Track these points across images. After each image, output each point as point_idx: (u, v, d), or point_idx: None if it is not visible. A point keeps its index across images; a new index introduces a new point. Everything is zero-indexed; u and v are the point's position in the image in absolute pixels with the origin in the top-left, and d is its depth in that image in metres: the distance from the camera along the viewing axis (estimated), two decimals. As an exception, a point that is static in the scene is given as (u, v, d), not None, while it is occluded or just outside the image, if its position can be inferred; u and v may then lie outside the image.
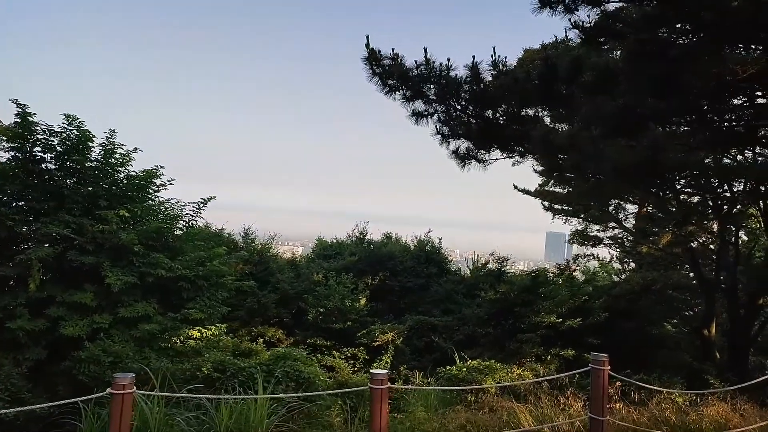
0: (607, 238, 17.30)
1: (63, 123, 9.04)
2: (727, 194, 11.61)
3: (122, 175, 9.67)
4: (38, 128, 8.82)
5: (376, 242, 17.72)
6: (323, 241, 18.31)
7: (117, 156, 9.53)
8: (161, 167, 9.99)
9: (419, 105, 8.18)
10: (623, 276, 17.47)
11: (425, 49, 7.58)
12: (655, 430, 6.83)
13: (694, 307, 15.91)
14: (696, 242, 13.44)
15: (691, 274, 14.95)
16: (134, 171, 9.78)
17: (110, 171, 9.45)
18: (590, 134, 6.84)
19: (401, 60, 7.65)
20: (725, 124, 9.21)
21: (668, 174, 8.60)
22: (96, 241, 8.63)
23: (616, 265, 18.79)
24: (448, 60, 7.61)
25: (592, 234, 17.29)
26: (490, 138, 8.51)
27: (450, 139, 8.62)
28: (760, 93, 7.62)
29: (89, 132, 9.22)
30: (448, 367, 9.57)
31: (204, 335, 9.63)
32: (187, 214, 10.27)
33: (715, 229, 13.28)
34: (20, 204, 8.79)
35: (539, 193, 16.13)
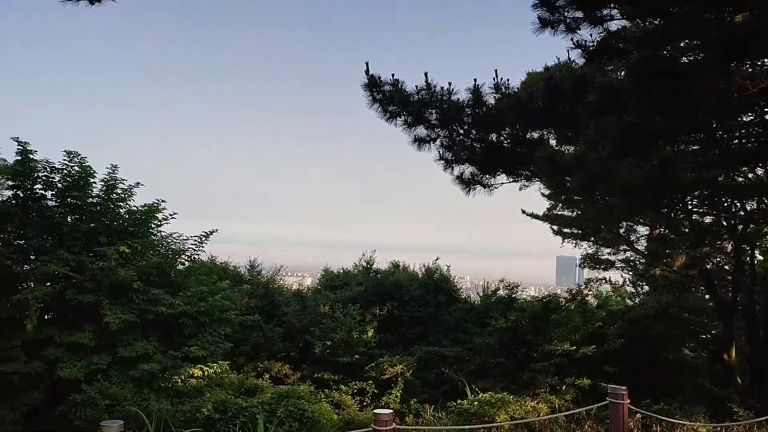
0: (619, 261, 16.92)
1: (64, 159, 9.01)
2: (741, 213, 11.31)
3: (123, 210, 9.57)
4: (39, 165, 8.77)
5: (383, 271, 17.42)
6: (330, 271, 18.05)
7: (118, 191, 9.46)
8: (162, 201, 9.91)
9: (421, 130, 8.05)
10: (637, 300, 17.04)
11: (426, 74, 7.50)
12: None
13: (712, 330, 15.43)
14: (711, 263, 13.07)
15: (707, 297, 14.53)
16: (135, 206, 9.70)
17: (111, 206, 9.37)
18: (597, 154, 6.65)
19: (401, 85, 7.54)
20: (735, 141, 9.00)
21: (679, 193, 8.37)
22: (95, 279, 8.47)
23: (630, 289, 18.37)
24: (450, 84, 7.51)
25: (603, 257, 16.93)
26: (494, 162, 8.34)
27: (454, 165, 8.46)
28: (770, 108, 7.44)
29: (90, 168, 9.18)
30: (459, 401, 9.21)
31: (206, 373, 9.35)
32: (189, 248, 10.10)
33: (729, 250, 12.93)
34: (19, 242, 8.67)
35: (547, 217, 15.88)
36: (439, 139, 8.22)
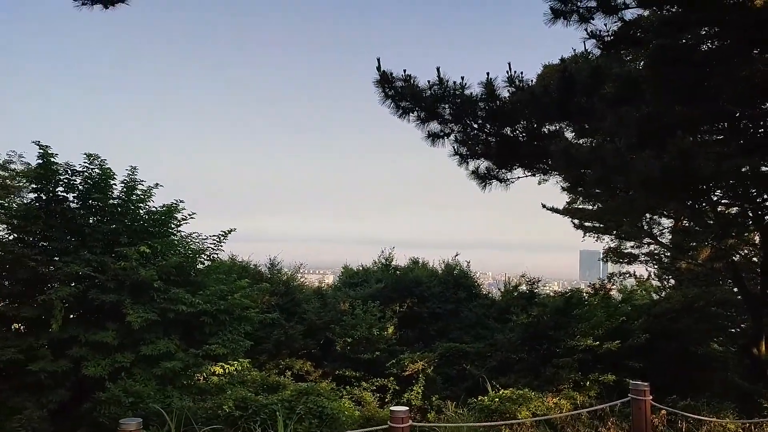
0: (643, 254, 16.63)
1: (84, 162, 9.17)
2: (768, 203, 10.99)
3: (143, 211, 9.71)
4: (60, 168, 8.95)
5: (402, 268, 17.42)
6: (349, 268, 18.10)
7: (138, 192, 9.59)
8: (181, 201, 10.03)
9: (434, 126, 7.98)
10: (663, 294, 16.71)
11: (438, 69, 7.43)
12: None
13: (741, 324, 15.04)
14: (738, 255, 12.73)
15: (735, 289, 14.17)
16: (155, 206, 9.83)
17: (131, 208, 9.51)
18: (614, 146, 6.52)
19: (414, 81, 7.49)
20: (761, 129, 8.74)
21: (701, 184, 8.15)
22: (117, 279, 8.63)
23: (655, 283, 18.02)
24: (462, 78, 7.42)
25: (626, 251, 16.65)
26: (510, 156, 8.24)
27: (469, 159, 8.38)
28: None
29: (110, 170, 9.33)
30: (480, 398, 9.16)
31: (227, 371, 9.45)
32: (208, 247, 10.22)
33: (757, 241, 12.58)
34: (44, 244, 8.87)
35: (568, 211, 15.64)
36: (453, 134, 8.15)
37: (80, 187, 9.15)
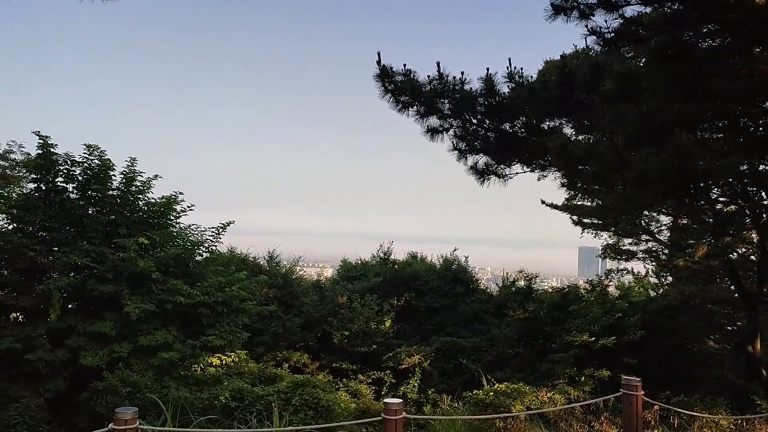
0: (641, 251, 16.65)
1: (84, 153, 9.16)
2: (766, 202, 11.02)
3: (142, 202, 9.72)
4: (60, 159, 8.95)
5: (400, 262, 17.46)
6: (347, 262, 18.14)
7: (137, 183, 9.59)
8: (180, 193, 10.03)
9: (434, 120, 7.98)
10: (660, 291, 16.77)
11: (438, 63, 7.44)
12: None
13: (737, 322, 15.11)
14: (735, 254, 12.77)
15: (732, 287, 14.23)
16: (154, 198, 9.83)
17: (131, 199, 9.51)
18: (612, 143, 6.53)
19: (413, 75, 7.49)
20: (760, 128, 8.75)
21: (698, 182, 8.17)
22: (116, 269, 8.65)
23: (653, 280, 18.08)
24: (462, 73, 7.43)
25: (624, 248, 16.67)
26: (509, 152, 8.25)
27: (467, 154, 8.38)
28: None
29: (110, 161, 9.32)
30: (474, 391, 9.21)
31: (224, 362, 9.49)
32: (207, 239, 10.24)
33: (755, 239, 12.62)
34: (43, 234, 8.89)
35: (567, 207, 15.67)
36: (452, 129, 8.16)
37: (80, 177, 9.15)
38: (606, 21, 6.26)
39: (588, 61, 6.92)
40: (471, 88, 7.52)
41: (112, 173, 9.34)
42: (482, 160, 8.48)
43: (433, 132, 8.09)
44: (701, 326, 13.94)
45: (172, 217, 10.06)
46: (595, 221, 15.69)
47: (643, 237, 15.73)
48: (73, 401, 7.94)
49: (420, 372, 12.64)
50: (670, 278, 17.26)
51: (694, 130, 7.88)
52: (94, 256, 8.58)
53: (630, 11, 6.31)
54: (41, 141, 8.77)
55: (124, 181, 9.49)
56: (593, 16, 6.16)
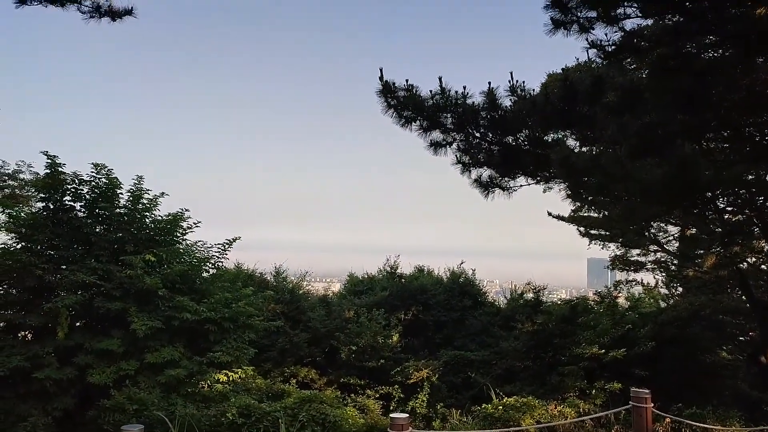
0: (650, 262, 16.54)
1: (92, 171, 9.27)
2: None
3: (149, 219, 9.79)
4: (68, 178, 9.06)
5: (407, 276, 17.42)
6: (354, 276, 18.13)
7: (144, 201, 9.67)
8: (186, 210, 10.09)
9: (437, 135, 8.02)
10: (670, 302, 16.62)
11: (440, 78, 7.49)
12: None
13: (750, 332, 14.92)
14: (745, 263, 12.65)
15: (744, 297, 14.07)
16: (160, 215, 9.90)
17: (137, 216, 9.58)
18: (615, 154, 6.53)
19: (416, 90, 7.54)
20: (766, 138, 8.71)
21: (703, 192, 8.14)
22: (123, 287, 8.70)
23: (663, 290, 17.93)
24: (464, 88, 7.48)
25: (632, 259, 16.57)
26: (513, 164, 8.26)
27: (471, 168, 8.41)
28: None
29: (117, 179, 9.43)
30: (483, 405, 9.15)
31: (231, 378, 9.48)
32: (213, 255, 10.28)
33: (765, 249, 12.50)
34: (51, 253, 8.96)
35: (573, 219, 15.63)
36: (455, 143, 8.19)
37: (87, 196, 9.25)
38: (606, 34, 6.30)
39: (590, 74, 6.95)
40: (473, 102, 7.56)
41: (119, 191, 9.44)
42: (486, 173, 8.50)
43: (436, 146, 8.13)
44: (713, 337, 13.78)
45: (178, 234, 10.11)
46: (602, 232, 15.63)
47: (652, 248, 15.63)
48: (81, 419, 7.95)
49: (428, 386, 12.56)
50: (680, 289, 17.12)
51: (699, 140, 7.86)
52: (101, 274, 8.64)
53: (630, 24, 6.35)
54: (49, 161, 8.89)
55: (131, 198, 9.57)
56: (593, 29, 6.19)
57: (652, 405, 5.54)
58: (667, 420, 7.79)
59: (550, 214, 16.39)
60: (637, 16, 6.32)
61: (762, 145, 8.63)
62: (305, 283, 16.87)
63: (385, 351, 13.53)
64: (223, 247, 10.28)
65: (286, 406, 7.66)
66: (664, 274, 17.08)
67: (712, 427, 7.93)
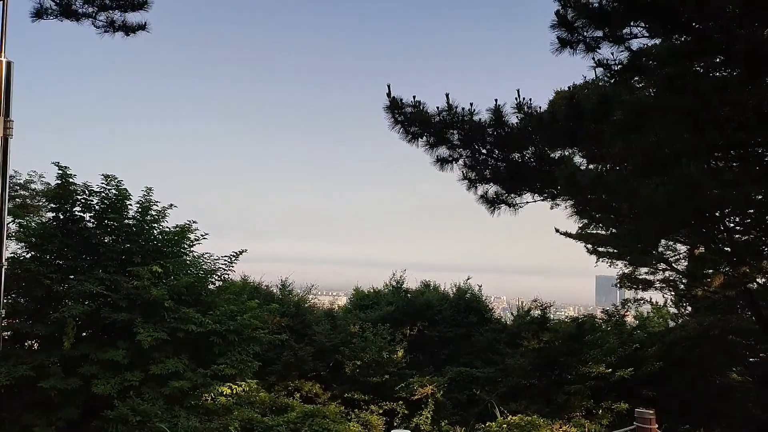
0: (658, 280, 16.39)
1: (102, 182, 9.37)
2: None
3: (157, 231, 9.86)
4: (78, 188, 9.16)
5: (413, 291, 17.35)
6: (360, 290, 18.08)
7: (152, 213, 9.76)
8: (194, 222, 10.17)
9: (443, 151, 8.07)
10: (679, 321, 16.43)
11: (447, 95, 7.56)
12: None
13: (760, 353, 14.70)
14: (755, 283, 12.52)
15: (754, 318, 13.89)
16: (168, 227, 9.97)
17: (146, 228, 9.66)
18: (620, 172, 6.53)
19: (423, 107, 7.60)
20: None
21: (709, 211, 8.09)
22: (129, 298, 8.74)
23: (672, 310, 17.73)
24: (471, 104, 7.54)
25: (641, 277, 16.42)
26: (519, 181, 8.28)
27: (477, 184, 8.43)
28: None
29: (126, 191, 9.52)
30: (488, 423, 9.08)
31: (235, 391, 9.46)
32: (219, 267, 10.32)
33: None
34: (59, 262, 9.04)
35: (581, 236, 15.54)
36: (461, 159, 8.23)
37: (97, 207, 9.34)
38: (612, 53, 6.33)
39: (596, 92, 6.98)
40: (480, 119, 7.61)
41: (128, 203, 9.53)
42: (492, 189, 8.52)
43: (442, 162, 8.17)
44: (722, 358, 13.59)
45: (185, 246, 10.18)
46: (610, 250, 15.53)
47: (660, 266, 15.51)
48: (85, 430, 7.96)
49: (433, 403, 12.47)
50: (689, 308, 16.93)
51: (707, 159, 7.84)
52: (108, 285, 8.69)
53: (636, 43, 6.38)
54: (60, 171, 9.00)
55: (139, 210, 9.65)
56: (599, 48, 6.23)
57: (657, 426, 5.47)
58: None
59: (557, 230, 16.33)
60: (644, 36, 6.35)
61: (769, 164, 8.60)
62: (311, 296, 16.86)
63: (389, 366, 13.44)
64: (229, 260, 10.33)
65: (288, 420, 7.65)
66: (672, 293, 16.91)
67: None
